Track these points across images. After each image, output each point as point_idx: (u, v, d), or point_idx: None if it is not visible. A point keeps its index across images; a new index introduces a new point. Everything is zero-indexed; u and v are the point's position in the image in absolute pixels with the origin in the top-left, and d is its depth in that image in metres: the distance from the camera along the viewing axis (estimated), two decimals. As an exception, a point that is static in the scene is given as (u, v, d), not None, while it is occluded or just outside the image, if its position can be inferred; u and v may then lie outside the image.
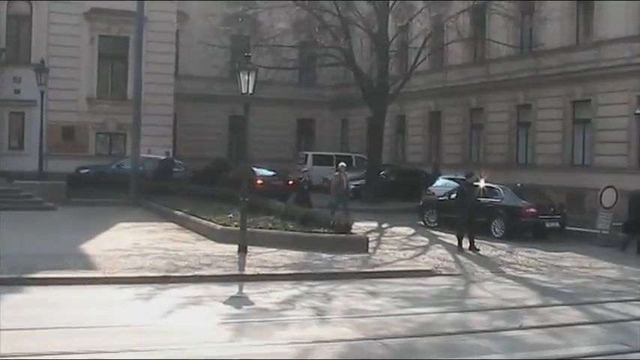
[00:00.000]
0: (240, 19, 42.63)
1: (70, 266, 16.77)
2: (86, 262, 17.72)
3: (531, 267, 20.97)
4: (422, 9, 40.18)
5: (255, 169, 37.34)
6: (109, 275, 16.38)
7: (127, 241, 21.67)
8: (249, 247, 19.94)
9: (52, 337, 11.15)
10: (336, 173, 30.16)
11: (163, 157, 38.46)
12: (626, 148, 33.58)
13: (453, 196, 26.76)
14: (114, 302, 14.18)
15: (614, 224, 26.09)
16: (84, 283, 15.59)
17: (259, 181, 36.27)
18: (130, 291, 15.05)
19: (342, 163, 30.76)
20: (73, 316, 12.57)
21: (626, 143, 33.58)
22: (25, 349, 10.34)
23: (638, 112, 32.85)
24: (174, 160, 39.32)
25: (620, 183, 27.81)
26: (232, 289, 15.81)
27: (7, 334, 10.93)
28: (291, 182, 36.53)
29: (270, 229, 22.68)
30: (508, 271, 20.19)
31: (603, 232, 25.96)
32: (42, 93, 36.81)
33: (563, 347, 11.69)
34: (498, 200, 27.28)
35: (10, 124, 40.54)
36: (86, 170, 37.61)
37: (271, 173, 38.49)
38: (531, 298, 16.36)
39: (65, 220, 26.92)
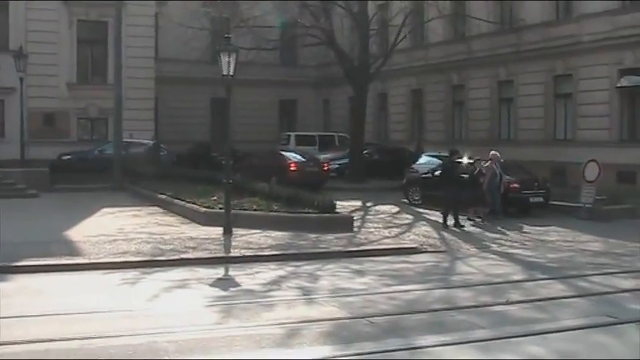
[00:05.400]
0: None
1: (54, 253, 16.72)
2: (71, 249, 17.66)
3: (516, 242, 21.04)
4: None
5: (284, 153, 36.04)
6: (94, 261, 16.32)
7: (111, 226, 21.62)
8: (234, 229, 19.98)
9: (41, 324, 11.12)
10: (488, 163, 26.13)
11: (151, 142, 38.29)
12: (608, 121, 33.75)
13: (437, 173, 26.83)
14: (100, 288, 14.14)
15: (597, 197, 26.20)
16: (69, 270, 15.52)
17: (293, 167, 33.46)
18: (116, 276, 15.01)
19: (495, 152, 26.60)
20: (60, 303, 12.50)
21: (608, 117, 33.74)
22: (19, 337, 10.29)
23: (619, 85, 33.01)
24: (149, 142, 39.03)
25: (602, 157, 27.93)
26: (218, 272, 15.80)
27: (-2, 323, 10.93)
28: (326, 168, 35.48)
29: (255, 210, 22.67)
30: (493, 246, 20.26)
31: (587, 205, 26.05)
32: (21, 79, 36.62)
33: (549, 321, 11.73)
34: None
35: (-11, 111, 40.23)
36: (68, 156, 37.37)
37: (303, 158, 35.07)
38: (516, 273, 16.40)
39: (49, 206, 26.80)
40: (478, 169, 25.68)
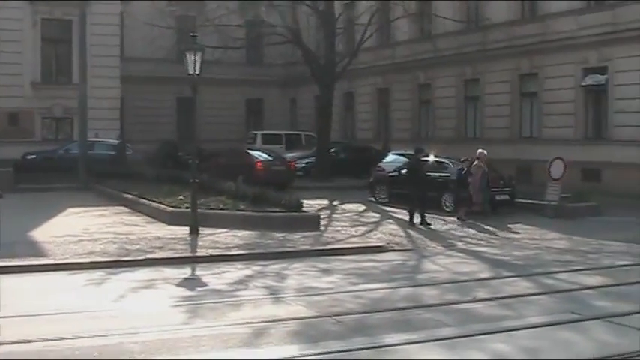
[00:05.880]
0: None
1: (19, 254, 16.57)
2: (36, 249, 17.51)
3: (482, 240, 21.14)
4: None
5: (250, 152, 35.95)
6: (59, 261, 16.18)
7: (76, 226, 21.46)
8: (200, 229, 19.92)
9: (5, 326, 10.98)
10: (476, 162, 25.78)
11: (116, 142, 38.08)
12: (573, 119, 34.04)
13: (403, 171, 26.88)
14: (66, 289, 14.02)
15: (562, 195, 26.37)
16: (34, 271, 15.39)
17: (259, 166, 33.32)
18: (82, 276, 14.90)
19: (482, 150, 26.21)
20: (25, 305, 12.39)
21: (573, 115, 34.03)
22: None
23: (583, 84, 33.28)
24: (113, 142, 38.76)
25: (567, 154, 28.14)
26: (185, 271, 15.73)
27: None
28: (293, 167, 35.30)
29: (222, 209, 22.64)
30: (459, 244, 20.33)
31: (552, 203, 26.20)
32: (-16, 79, 36.31)
33: (514, 318, 11.79)
34: (448, 174, 27.37)
35: (-49, 112, 39.81)
36: (33, 156, 37.03)
37: (270, 157, 34.94)
38: (483, 271, 16.48)
39: (13, 207, 26.44)
40: (466, 169, 25.58)
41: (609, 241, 20.59)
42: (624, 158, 31.04)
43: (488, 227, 23.43)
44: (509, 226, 23.77)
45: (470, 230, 22.90)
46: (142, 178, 30.80)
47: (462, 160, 26.24)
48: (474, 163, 25.50)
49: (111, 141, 38.07)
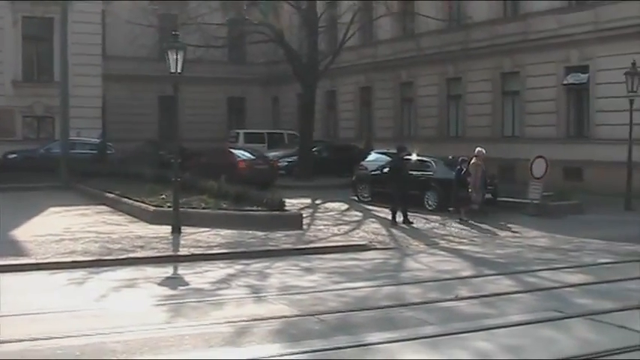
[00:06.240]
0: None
1: (0, 253, 16.48)
2: (17, 249, 17.43)
3: (464, 238, 21.17)
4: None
5: (233, 151, 36.00)
6: (41, 261, 16.11)
7: (58, 225, 21.36)
8: (182, 228, 19.88)
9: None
10: (474, 160, 25.30)
11: (98, 140, 37.94)
12: (555, 118, 34.16)
13: (386, 170, 26.89)
14: (48, 288, 13.95)
15: (544, 194, 26.44)
16: (15, 270, 15.32)
17: (242, 165, 33.41)
18: (63, 276, 14.85)
19: (481, 149, 25.63)
20: (6, 304, 12.33)
21: (555, 114, 34.15)
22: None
23: (565, 82, 33.41)
24: (95, 141, 38.61)
25: (549, 153, 28.18)
26: (167, 271, 15.71)
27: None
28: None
29: (204, 208, 22.62)
30: (442, 243, 20.36)
31: (534, 201, 26.26)
32: (-36, 78, 36.10)
33: (497, 316, 11.80)
34: (431, 173, 27.40)
35: None
36: (14, 155, 36.91)
37: (253, 156, 35.06)
38: (465, 269, 16.51)
39: (-6, 206, 26.43)
40: (465, 169, 25.32)
41: (591, 239, 20.68)
42: (605, 157, 31.15)
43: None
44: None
45: (456, 229, 22.93)
46: (123, 177, 30.69)
47: (460, 159, 26.02)
48: (472, 162, 25.34)
49: (93, 140, 37.93)
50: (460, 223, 23.89)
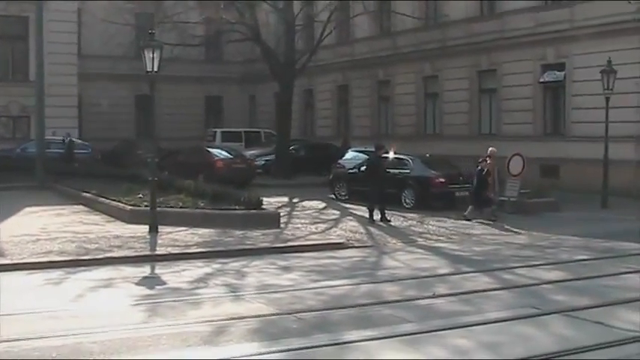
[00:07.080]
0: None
1: (-25, 253, 16.39)
2: (-8, 249, 17.33)
3: (442, 236, 21.19)
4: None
5: (210, 150, 35.96)
6: (17, 261, 15.99)
7: (34, 225, 21.24)
8: (160, 227, 19.81)
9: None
10: (489, 160, 25.11)
11: (68, 139, 37.73)
12: (532, 116, 34.33)
13: (363, 168, 26.91)
14: (24, 289, 13.86)
15: (521, 191, 26.52)
16: (-9, 270, 15.22)
17: (219, 164, 33.44)
18: (40, 276, 14.76)
19: (493, 148, 25.71)
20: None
21: (532, 111, 34.33)
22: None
23: (541, 80, 33.57)
24: (75, 141, 38.37)
25: (526, 150, 28.26)
26: (144, 270, 15.65)
27: None
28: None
29: (181, 207, 22.54)
30: (419, 240, 20.37)
31: (511, 199, 26.33)
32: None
33: (474, 313, 11.83)
34: (408, 171, 27.45)
35: None
36: (-10, 155, 36.72)
37: (230, 155, 35.02)
38: (443, 267, 16.53)
39: (-31, 206, 26.25)
40: (486, 169, 24.89)
41: (567, 236, 20.76)
42: (582, 154, 31.34)
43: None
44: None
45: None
46: (100, 176, 30.55)
47: (480, 160, 25.67)
48: (488, 162, 25.01)
49: (58, 139, 37.69)
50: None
